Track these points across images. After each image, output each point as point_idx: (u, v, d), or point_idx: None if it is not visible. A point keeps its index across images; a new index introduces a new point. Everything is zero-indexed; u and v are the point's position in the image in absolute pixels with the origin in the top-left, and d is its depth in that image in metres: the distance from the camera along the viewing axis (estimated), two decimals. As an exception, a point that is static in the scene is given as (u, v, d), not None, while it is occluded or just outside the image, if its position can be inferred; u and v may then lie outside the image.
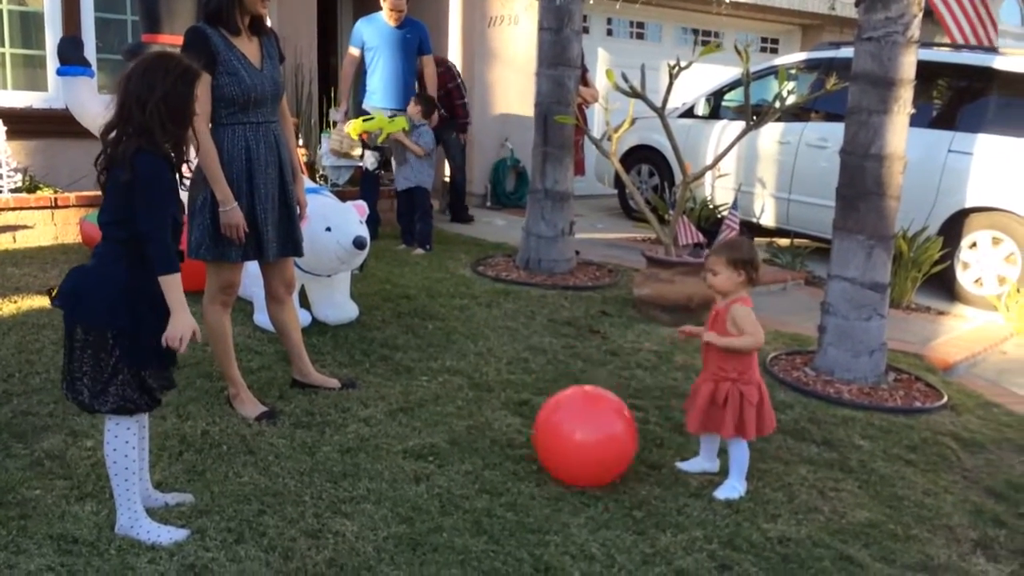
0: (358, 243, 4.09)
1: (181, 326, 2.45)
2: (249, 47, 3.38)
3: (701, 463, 3.38)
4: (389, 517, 2.86)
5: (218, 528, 2.70)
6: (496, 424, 3.63)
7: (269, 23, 3.48)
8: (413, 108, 6.48)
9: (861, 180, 4.37)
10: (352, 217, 4.21)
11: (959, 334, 5.80)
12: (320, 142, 7.54)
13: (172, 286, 2.45)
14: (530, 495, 3.07)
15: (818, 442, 3.75)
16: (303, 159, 7.91)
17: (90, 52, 6.62)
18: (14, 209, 5.91)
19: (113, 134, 2.47)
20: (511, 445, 3.45)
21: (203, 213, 3.32)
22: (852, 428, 3.91)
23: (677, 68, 5.16)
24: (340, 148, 6.97)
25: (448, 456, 3.32)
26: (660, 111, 5.23)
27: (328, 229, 4.11)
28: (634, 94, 5.19)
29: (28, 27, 6.65)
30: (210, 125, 3.34)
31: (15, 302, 4.64)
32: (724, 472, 3.28)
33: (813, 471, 3.47)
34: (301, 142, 7.92)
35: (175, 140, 2.50)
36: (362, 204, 4.38)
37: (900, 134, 4.32)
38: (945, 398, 4.33)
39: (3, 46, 6.58)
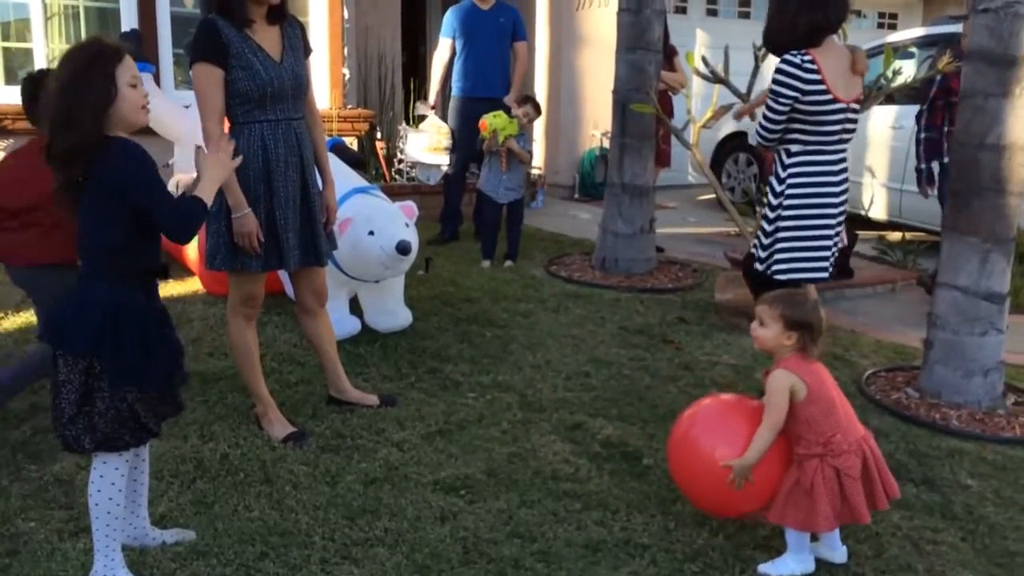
0: (401, 248, 3.79)
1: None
2: (267, 38, 3.08)
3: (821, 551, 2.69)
4: (403, 565, 2.55)
5: (212, 575, 2.46)
6: (542, 452, 3.28)
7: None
8: (522, 110, 5.78)
9: (975, 174, 3.79)
10: (398, 220, 3.91)
11: (1096, 346, 5.07)
12: (403, 136, 7.29)
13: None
14: (566, 541, 2.71)
15: (916, 481, 3.24)
16: (382, 153, 7.70)
17: (165, 48, 6.58)
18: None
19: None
20: (555, 477, 3.09)
21: (218, 219, 3.06)
22: (959, 464, 3.37)
23: (764, 49, 4.63)
24: (439, 145, 6.69)
25: (481, 490, 2.99)
26: (745, 97, 4.72)
27: (371, 233, 3.83)
28: (716, 79, 4.71)
29: (105, 23, 6.64)
30: (227, 124, 3.09)
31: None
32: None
33: (908, 518, 2.97)
34: (379, 135, 7.71)
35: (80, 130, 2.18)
36: (410, 205, 4.07)
37: (1022, 121, 3.72)
38: (1076, 428, 3.72)
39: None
